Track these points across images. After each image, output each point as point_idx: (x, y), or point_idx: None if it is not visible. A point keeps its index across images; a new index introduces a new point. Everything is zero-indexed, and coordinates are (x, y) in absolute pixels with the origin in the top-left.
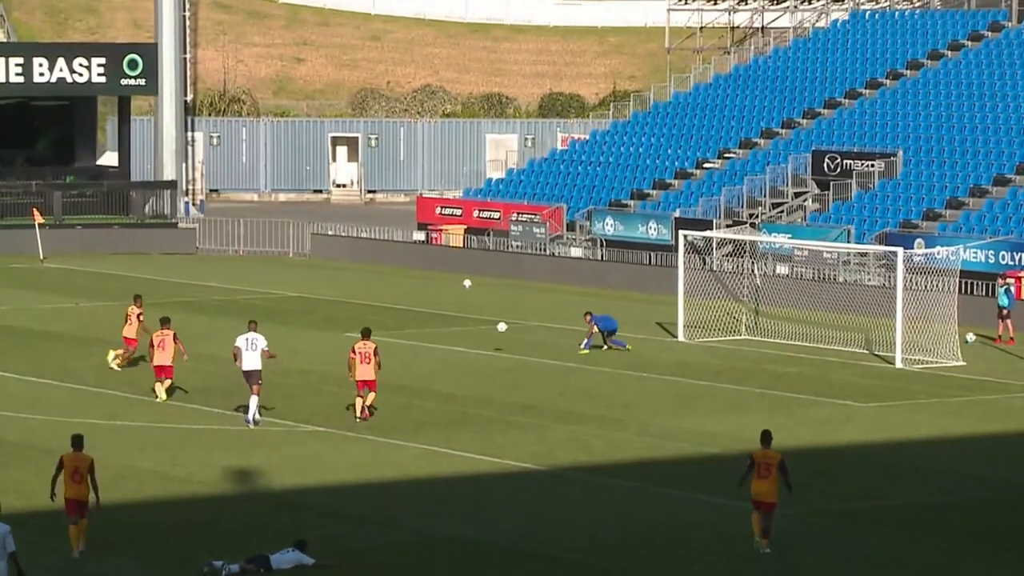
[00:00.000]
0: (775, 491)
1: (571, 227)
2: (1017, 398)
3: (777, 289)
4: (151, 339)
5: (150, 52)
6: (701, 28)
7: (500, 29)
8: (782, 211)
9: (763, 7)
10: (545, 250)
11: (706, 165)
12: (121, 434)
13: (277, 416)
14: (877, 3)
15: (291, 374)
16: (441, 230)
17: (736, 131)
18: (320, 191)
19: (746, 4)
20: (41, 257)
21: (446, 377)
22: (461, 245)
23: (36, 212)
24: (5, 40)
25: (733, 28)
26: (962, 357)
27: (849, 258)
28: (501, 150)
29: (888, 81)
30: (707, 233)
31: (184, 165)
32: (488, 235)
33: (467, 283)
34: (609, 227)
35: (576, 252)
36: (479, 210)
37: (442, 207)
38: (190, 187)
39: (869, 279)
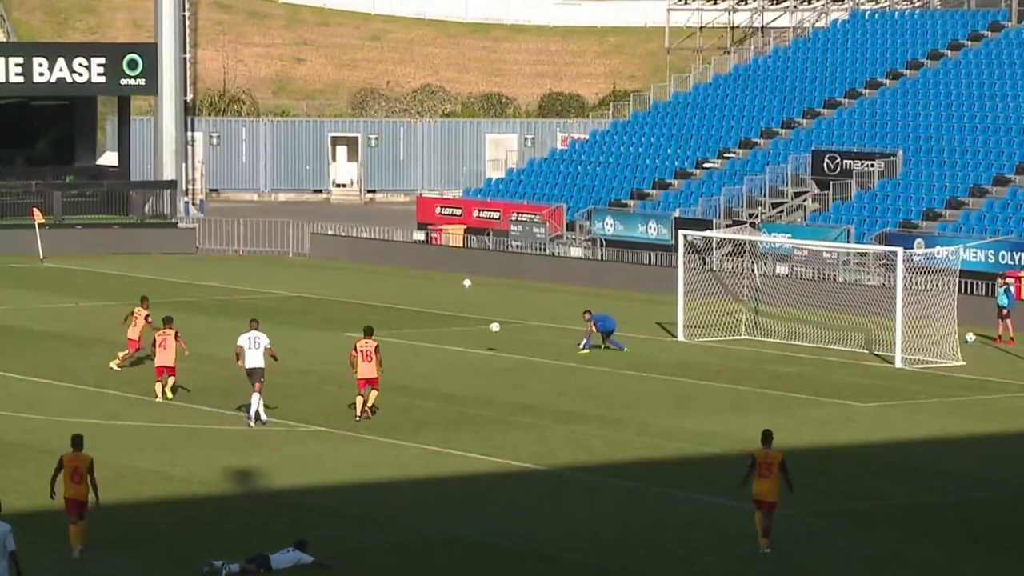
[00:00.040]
0: (776, 491)
1: (571, 227)
2: (1017, 398)
3: (777, 289)
4: (154, 338)
5: (150, 52)
6: (701, 28)
7: (500, 29)
8: (782, 211)
9: (763, 7)
10: (545, 250)
11: (706, 165)
12: (121, 434)
13: (277, 416)
14: (877, 3)
15: (291, 374)
16: (441, 230)
17: (736, 131)
18: (320, 191)
19: (746, 4)
20: (41, 257)
21: (446, 377)
22: (461, 245)
23: (37, 212)
24: (5, 40)
25: (733, 28)
26: (962, 357)
27: (849, 258)
28: (501, 150)
29: (888, 81)
30: (707, 233)
31: (184, 165)
32: (488, 235)
33: (467, 283)
34: (609, 227)
35: (576, 252)
36: (479, 210)
37: (442, 207)
38: (190, 187)
39: (869, 279)
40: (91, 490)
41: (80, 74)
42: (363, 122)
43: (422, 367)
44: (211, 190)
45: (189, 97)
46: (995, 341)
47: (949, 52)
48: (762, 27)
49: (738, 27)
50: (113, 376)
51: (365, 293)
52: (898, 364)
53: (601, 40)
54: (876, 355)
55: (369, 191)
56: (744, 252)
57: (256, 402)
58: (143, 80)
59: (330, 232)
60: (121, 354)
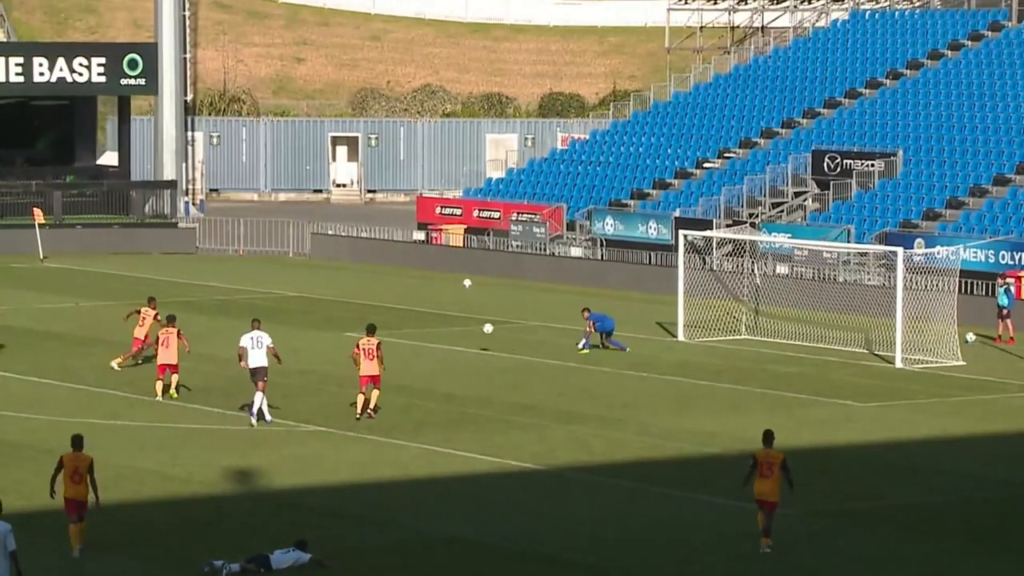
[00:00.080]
0: (777, 490)
1: (571, 227)
2: (1017, 398)
3: (777, 289)
4: (157, 336)
5: (150, 52)
6: (701, 28)
7: (500, 29)
8: (782, 211)
9: (763, 7)
10: (545, 250)
11: (706, 165)
12: (121, 434)
13: (277, 416)
14: (877, 3)
15: (291, 374)
16: (441, 230)
17: (736, 131)
18: (320, 191)
19: (746, 4)
20: (41, 257)
21: (446, 377)
22: (461, 245)
23: (38, 212)
24: (5, 40)
25: (733, 28)
26: (962, 357)
27: (849, 258)
28: (501, 150)
29: (888, 81)
30: (707, 233)
31: (184, 165)
32: (488, 235)
33: (467, 283)
34: (609, 227)
35: (576, 252)
36: (479, 210)
37: (442, 207)
38: (190, 187)
39: (869, 279)
40: (91, 490)
41: (80, 74)
42: (363, 122)
43: (422, 367)
44: (211, 190)
45: (189, 97)
46: (995, 341)
47: (949, 52)
48: (762, 27)
49: (738, 27)
50: (113, 376)
51: (365, 293)
52: (898, 364)
53: (601, 40)
54: (876, 355)
55: (369, 191)
56: (744, 252)
57: (260, 401)
58: (143, 80)
59: (330, 232)
60: (124, 354)
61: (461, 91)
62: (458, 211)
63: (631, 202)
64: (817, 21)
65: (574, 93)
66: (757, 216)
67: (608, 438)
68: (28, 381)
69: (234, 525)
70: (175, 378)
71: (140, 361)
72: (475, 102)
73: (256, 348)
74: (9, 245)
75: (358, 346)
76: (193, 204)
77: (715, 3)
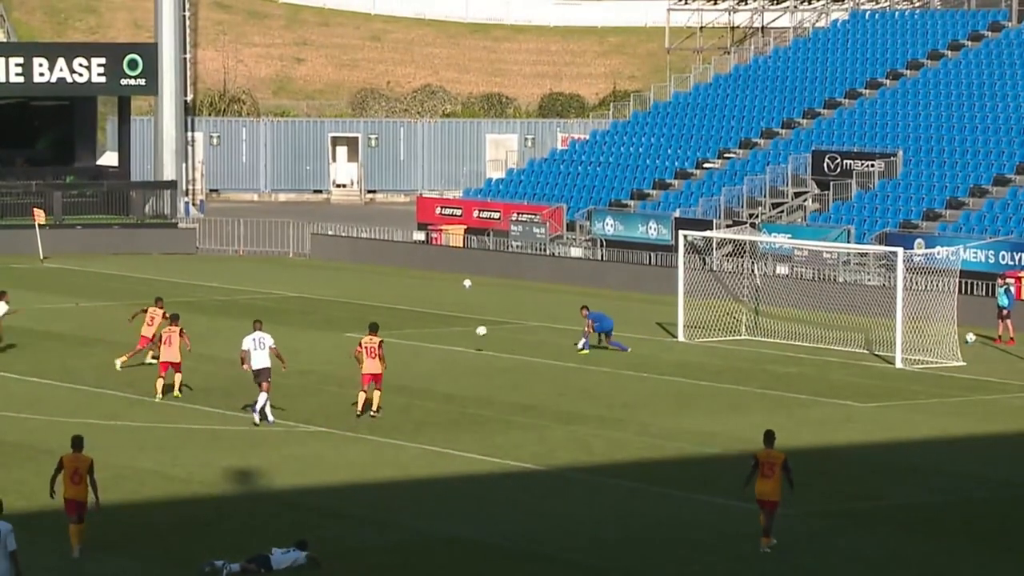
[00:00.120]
0: (778, 490)
1: (571, 227)
2: (1017, 398)
3: (777, 289)
4: (160, 334)
5: (150, 52)
6: (701, 28)
7: (500, 29)
8: (782, 211)
9: (763, 7)
10: (545, 250)
11: (706, 165)
12: (121, 434)
13: (278, 416)
14: (877, 3)
15: (291, 374)
16: (441, 230)
17: (736, 131)
18: (320, 191)
19: (746, 4)
20: (41, 257)
21: (446, 377)
22: (461, 245)
23: (39, 212)
24: (5, 40)
25: (733, 28)
26: (962, 357)
27: (849, 258)
28: (501, 150)
29: (888, 81)
30: (707, 233)
31: (184, 165)
32: (488, 235)
33: (467, 283)
34: (609, 227)
35: (576, 252)
36: (479, 210)
37: (442, 207)
38: (190, 187)
39: (869, 279)
40: (91, 491)
41: (80, 74)
42: (363, 122)
43: (422, 367)
44: (211, 190)
45: (189, 97)
46: (995, 341)
47: (949, 52)
48: (762, 27)
49: (738, 27)
50: (113, 376)
51: (365, 293)
52: (898, 364)
53: (601, 40)
54: (876, 355)
55: (369, 191)
56: (744, 252)
57: (263, 400)
58: (143, 80)
59: (330, 232)
60: (128, 352)
61: (461, 91)
62: (458, 211)
63: (631, 202)
64: (817, 21)
65: (574, 93)
66: (757, 216)
67: (608, 438)
68: (28, 381)
69: (234, 525)
70: (178, 377)
71: (147, 359)
72: (475, 102)
73: (258, 349)
74: (9, 245)
75: (361, 344)
76: (193, 204)
77: (715, 3)
